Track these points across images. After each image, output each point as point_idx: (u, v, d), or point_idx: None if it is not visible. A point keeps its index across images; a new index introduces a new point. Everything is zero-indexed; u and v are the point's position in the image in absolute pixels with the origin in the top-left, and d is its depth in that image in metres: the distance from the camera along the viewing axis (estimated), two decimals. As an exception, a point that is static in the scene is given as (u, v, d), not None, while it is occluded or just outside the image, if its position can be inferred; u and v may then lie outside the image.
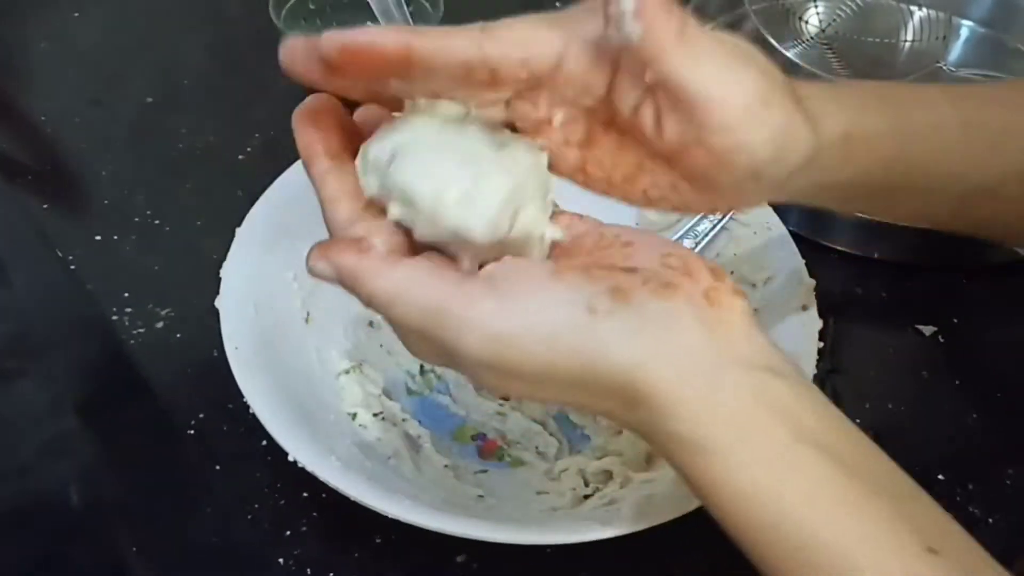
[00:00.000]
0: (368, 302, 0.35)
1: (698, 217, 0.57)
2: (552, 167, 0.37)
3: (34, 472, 0.52)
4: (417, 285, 0.34)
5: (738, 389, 0.32)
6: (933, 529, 0.32)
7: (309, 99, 0.38)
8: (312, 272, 0.36)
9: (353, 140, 0.38)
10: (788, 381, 0.33)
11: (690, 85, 0.32)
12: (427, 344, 0.35)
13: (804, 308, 0.52)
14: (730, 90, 0.32)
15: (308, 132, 0.38)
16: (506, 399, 0.54)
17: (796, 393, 0.33)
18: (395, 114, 0.38)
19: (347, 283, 0.36)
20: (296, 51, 0.35)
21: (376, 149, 0.36)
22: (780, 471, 0.32)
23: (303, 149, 0.38)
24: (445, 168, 0.35)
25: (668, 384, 0.32)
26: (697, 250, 0.56)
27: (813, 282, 0.53)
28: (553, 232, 0.37)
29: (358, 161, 0.37)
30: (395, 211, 0.35)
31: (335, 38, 0.33)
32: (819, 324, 0.51)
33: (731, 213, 0.37)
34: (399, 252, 0.35)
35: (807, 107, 0.35)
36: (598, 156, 0.36)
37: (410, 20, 0.61)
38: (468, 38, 0.34)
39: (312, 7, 0.76)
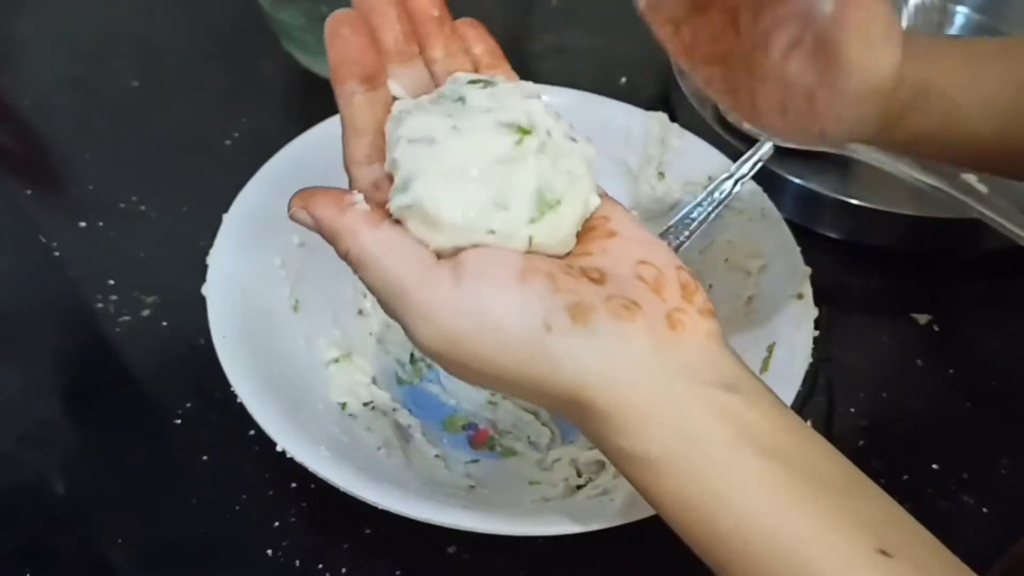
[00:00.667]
0: (343, 257, 0.35)
1: (692, 204, 0.56)
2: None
3: (18, 462, 0.52)
4: (389, 257, 0.34)
5: (684, 402, 0.32)
6: (889, 531, 0.31)
7: (340, 11, 0.36)
8: (292, 218, 0.36)
9: (383, 70, 0.37)
10: (741, 395, 0.33)
11: (847, 54, 0.34)
12: (388, 310, 0.35)
13: (799, 296, 0.51)
14: (875, 66, 0.35)
15: (342, 47, 0.36)
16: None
17: (748, 404, 0.33)
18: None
19: (325, 236, 0.36)
20: None
21: (411, 129, 0.35)
22: (726, 479, 0.32)
23: (335, 65, 0.36)
24: (478, 198, 0.34)
25: (614, 401, 0.32)
26: (691, 237, 0.56)
27: (809, 270, 0.52)
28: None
29: (388, 129, 0.36)
30: (414, 223, 0.35)
31: None
32: (815, 312, 0.50)
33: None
34: (382, 210, 0.35)
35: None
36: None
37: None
38: None
39: (300, -11, 0.75)
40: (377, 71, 0.37)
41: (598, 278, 0.34)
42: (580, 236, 0.36)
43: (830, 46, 0.35)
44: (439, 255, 0.34)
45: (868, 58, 0.35)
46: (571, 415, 0.34)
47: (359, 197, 0.35)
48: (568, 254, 0.36)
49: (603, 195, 0.38)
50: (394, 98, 0.37)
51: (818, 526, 0.30)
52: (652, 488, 0.33)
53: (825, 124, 0.37)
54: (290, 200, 0.36)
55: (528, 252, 0.34)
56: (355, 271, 0.35)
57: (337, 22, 0.36)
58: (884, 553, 0.30)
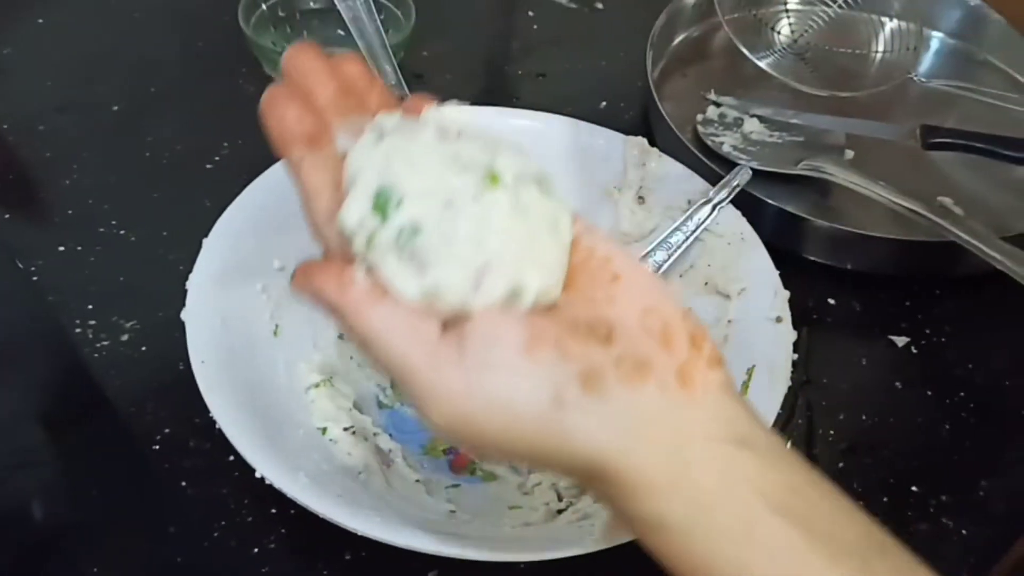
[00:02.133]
0: (346, 333, 0.35)
1: (672, 228, 0.56)
2: None
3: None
4: (392, 337, 0.33)
5: (702, 466, 0.32)
6: None
7: (273, 86, 0.36)
8: (295, 290, 0.36)
9: (327, 126, 0.36)
10: (756, 451, 0.33)
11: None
12: (396, 385, 0.35)
13: (778, 320, 0.51)
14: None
15: (279, 116, 0.36)
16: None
17: (764, 463, 0.32)
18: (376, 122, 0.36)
19: (327, 312, 0.35)
20: None
21: (367, 183, 0.34)
22: (743, 543, 0.31)
23: (276, 136, 0.36)
24: (473, 256, 0.33)
25: (631, 470, 0.32)
26: (670, 261, 0.56)
27: (787, 293, 0.53)
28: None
29: (345, 184, 0.35)
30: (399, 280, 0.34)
31: None
32: (793, 336, 0.51)
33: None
34: (381, 287, 0.34)
35: None
36: None
37: (381, 29, 0.60)
38: None
39: (282, 14, 0.75)
40: (319, 131, 0.36)
41: (605, 336, 0.33)
42: (582, 278, 0.35)
43: None
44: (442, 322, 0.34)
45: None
46: (585, 482, 0.34)
47: (360, 274, 0.34)
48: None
49: (596, 229, 0.37)
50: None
51: None
52: (669, 553, 0.32)
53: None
54: (293, 272, 0.36)
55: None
56: (359, 348, 0.35)
57: (270, 98, 0.36)
58: None
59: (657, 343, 0.33)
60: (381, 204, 0.34)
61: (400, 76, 0.61)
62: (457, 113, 0.38)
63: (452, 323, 0.34)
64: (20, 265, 0.61)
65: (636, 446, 0.32)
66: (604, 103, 0.76)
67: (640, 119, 0.73)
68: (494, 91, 0.80)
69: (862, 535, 0.33)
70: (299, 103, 0.36)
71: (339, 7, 0.59)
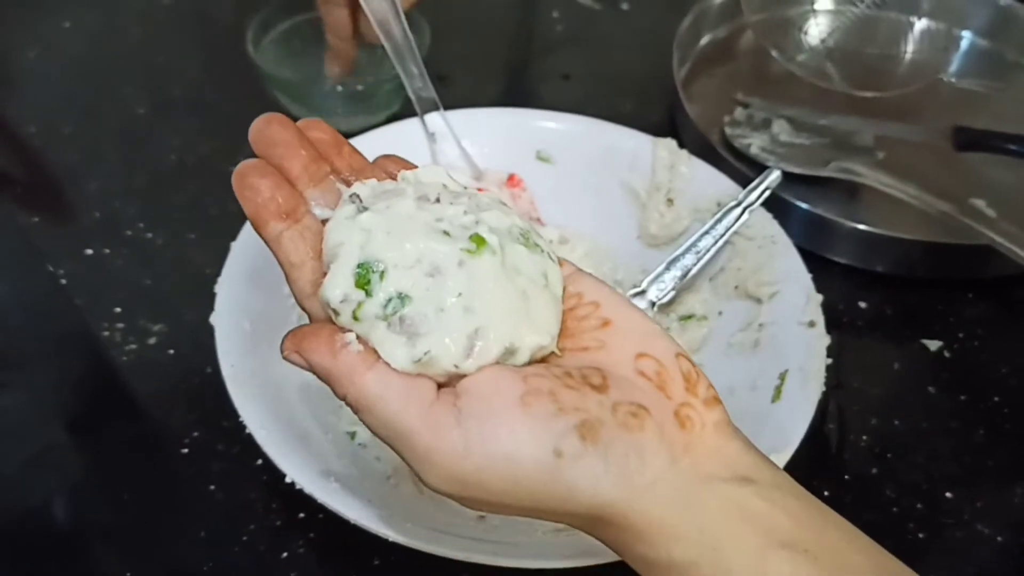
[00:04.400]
0: (341, 399, 0.35)
1: (701, 231, 0.56)
2: None
3: (23, 490, 0.51)
4: (388, 401, 0.33)
5: (707, 507, 0.32)
6: None
7: (244, 162, 0.36)
8: (286, 359, 0.36)
9: (302, 197, 0.37)
10: (759, 486, 0.33)
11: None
12: (393, 449, 0.35)
13: (811, 324, 0.51)
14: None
15: (253, 192, 0.36)
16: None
17: (768, 497, 0.32)
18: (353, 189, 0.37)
19: (321, 378, 0.35)
20: None
21: (350, 255, 0.34)
22: None
23: (252, 212, 0.36)
24: (464, 325, 0.33)
25: (636, 515, 0.32)
26: (700, 265, 0.55)
27: (820, 297, 0.52)
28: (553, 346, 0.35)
29: (324, 255, 0.35)
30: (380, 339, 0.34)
31: None
32: (827, 341, 0.50)
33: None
34: (373, 349, 0.34)
35: None
36: None
37: (408, 30, 0.60)
38: None
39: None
40: (294, 204, 0.36)
41: (600, 384, 0.33)
42: (572, 324, 0.36)
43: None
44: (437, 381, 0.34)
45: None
46: (589, 529, 0.34)
47: (351, 337, 0.34)
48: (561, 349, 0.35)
49: (582, 272, 0.37)
50: (323, 221, 0.37)
51: None
52: None
53: None
54: (282, 341, 0.36)
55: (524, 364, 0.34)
56: (355, 413, 0.35)
57: (241, 174, 0.36)
58: None
59: (652, 387, 0.34)
60: (363, 279, 0.34)
61: (427, 77, 0.60)
62: (434, 174, 0.38)
63: (447, 381, 0.34)
64: (50, 268, 0.61)
65: (640, 492, 0.32)
66: (629, 105, 0.75)
67: (666, 121, 0.73)
68: (517, 92, 0.80)
69: (872, 563, 0.32)
70: (271, 177, 0.36)
71: (366, 9, 0.59)
